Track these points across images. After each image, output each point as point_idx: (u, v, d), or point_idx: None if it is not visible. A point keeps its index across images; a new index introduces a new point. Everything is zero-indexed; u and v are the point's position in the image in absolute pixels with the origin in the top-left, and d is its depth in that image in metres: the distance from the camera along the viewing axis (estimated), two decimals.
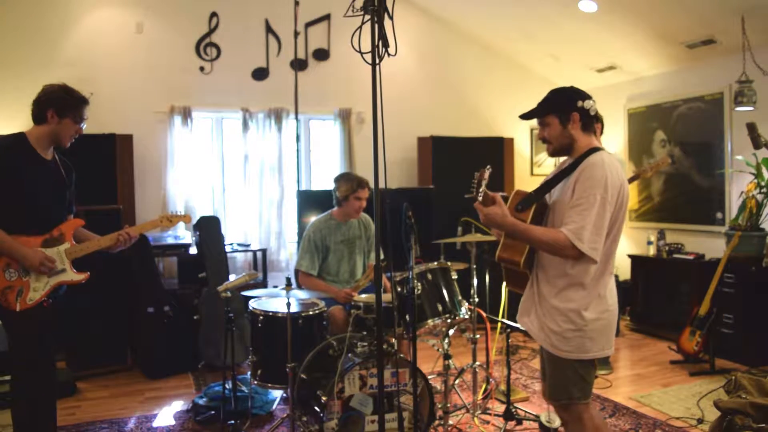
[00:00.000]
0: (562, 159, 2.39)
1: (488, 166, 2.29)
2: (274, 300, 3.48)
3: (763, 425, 2.72)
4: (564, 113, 2.26)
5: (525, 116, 2.38)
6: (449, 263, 3.40)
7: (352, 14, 2.07)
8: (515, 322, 2.60)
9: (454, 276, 3.35)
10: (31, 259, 2.51)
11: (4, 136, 2.63)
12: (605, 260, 2.20)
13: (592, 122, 2.30)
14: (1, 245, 2.48)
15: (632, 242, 6.07)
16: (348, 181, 3.82)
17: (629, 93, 6.15)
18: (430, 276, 3.25)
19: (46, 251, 2.57)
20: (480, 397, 3.60)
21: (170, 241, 4.99)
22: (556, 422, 3.28)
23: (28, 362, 2.55)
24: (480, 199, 2.20)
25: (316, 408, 2.84)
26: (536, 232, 2.17)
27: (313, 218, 4.06)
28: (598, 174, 2.12)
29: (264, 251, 5.47)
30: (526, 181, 6.73)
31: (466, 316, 3.32)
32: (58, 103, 2.57)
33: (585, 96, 2.27)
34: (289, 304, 3.03)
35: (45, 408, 2.62)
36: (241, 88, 5.59)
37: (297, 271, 3.92)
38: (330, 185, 3.94)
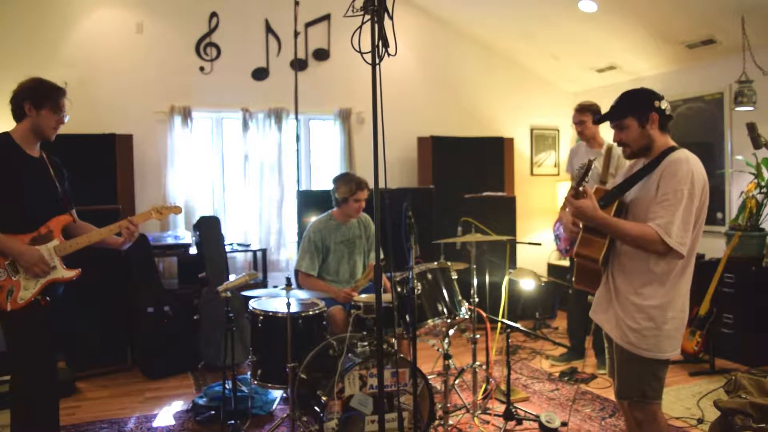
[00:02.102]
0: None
1: (592, 158, 2.25)
2: (274, 300, 3.48)
3: (763, 425, 2.72)
4: (643, 114, 2.25)
5: (599, 120, 2.37)
6: (449, 263, 3.40)
7: (352, 14, 2.07)
8: (515, 322, 2.58)
9: (454, 276, 3.35)
10: (27, 257, 2.45)
11: None
12: (688, 257, 2.19)
13: (668, 122, 2.30)
14: None
15: None
16: (346, 183, 3.81)
17: None
18: (430, 276, 3.25)
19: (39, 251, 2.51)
20: (480, 397, 3.60)
21: (170, 241, 4.98)
22: (556, 422, 3.28)
23: (26, 362, 2.51)
24: (582, 189, 2.16)
25: (316, 408, 2.83)
26: (626, 226, 2.16)
27: (313, 218, 4.06)
28: (683, 169, 2.14)
29: (264, 251, 5.48)
30: (526, 181, 6.73)
31: (466, 316, 3.32)
32: (33, 95, 2.52)
33: (660, 96, 2.27)
34: (289, 304, 3.03)
35: (44, 409, 2.58)
36: (241, 88, 5.59)
37: (297, 272, 3.92)
38: (330, 185, 3.94)
